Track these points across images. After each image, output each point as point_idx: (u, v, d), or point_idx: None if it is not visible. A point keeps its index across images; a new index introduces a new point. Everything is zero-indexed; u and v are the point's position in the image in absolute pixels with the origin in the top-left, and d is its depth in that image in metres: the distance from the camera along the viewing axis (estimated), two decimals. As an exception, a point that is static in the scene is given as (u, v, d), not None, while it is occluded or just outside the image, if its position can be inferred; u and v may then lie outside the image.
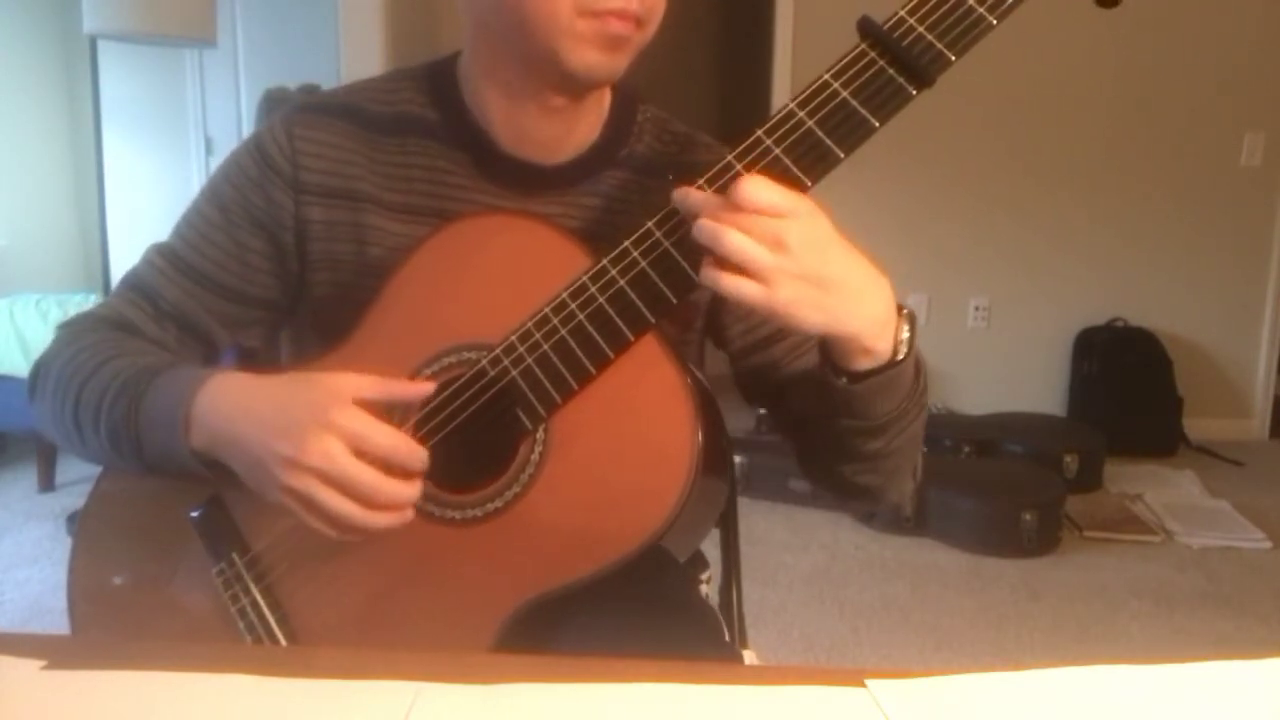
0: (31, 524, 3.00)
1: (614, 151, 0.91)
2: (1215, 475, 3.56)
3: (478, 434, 0.79)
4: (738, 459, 3.07)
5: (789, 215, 0.70)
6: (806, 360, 0.91)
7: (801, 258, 0.69)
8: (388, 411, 0.78)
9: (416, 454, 0.75)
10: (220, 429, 0.77)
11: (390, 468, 0.74)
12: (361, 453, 0.73)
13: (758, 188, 0.69)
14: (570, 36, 0.79)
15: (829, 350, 0.77)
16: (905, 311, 0.77)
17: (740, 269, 0.69)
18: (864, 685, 0.61)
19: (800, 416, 0.89)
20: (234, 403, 0.78)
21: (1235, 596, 2.63)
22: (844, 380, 0.77)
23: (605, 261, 0.77)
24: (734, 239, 0.69)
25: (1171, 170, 3.90)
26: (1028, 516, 2.83)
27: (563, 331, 0.77)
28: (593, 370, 0.76)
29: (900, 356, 0.77)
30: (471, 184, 0.89)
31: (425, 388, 0.79)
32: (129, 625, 0.89)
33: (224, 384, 0.79)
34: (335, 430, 0.73)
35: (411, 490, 0.75)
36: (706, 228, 0.70)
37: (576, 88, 0.84)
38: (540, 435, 0.78)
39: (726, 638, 0.99)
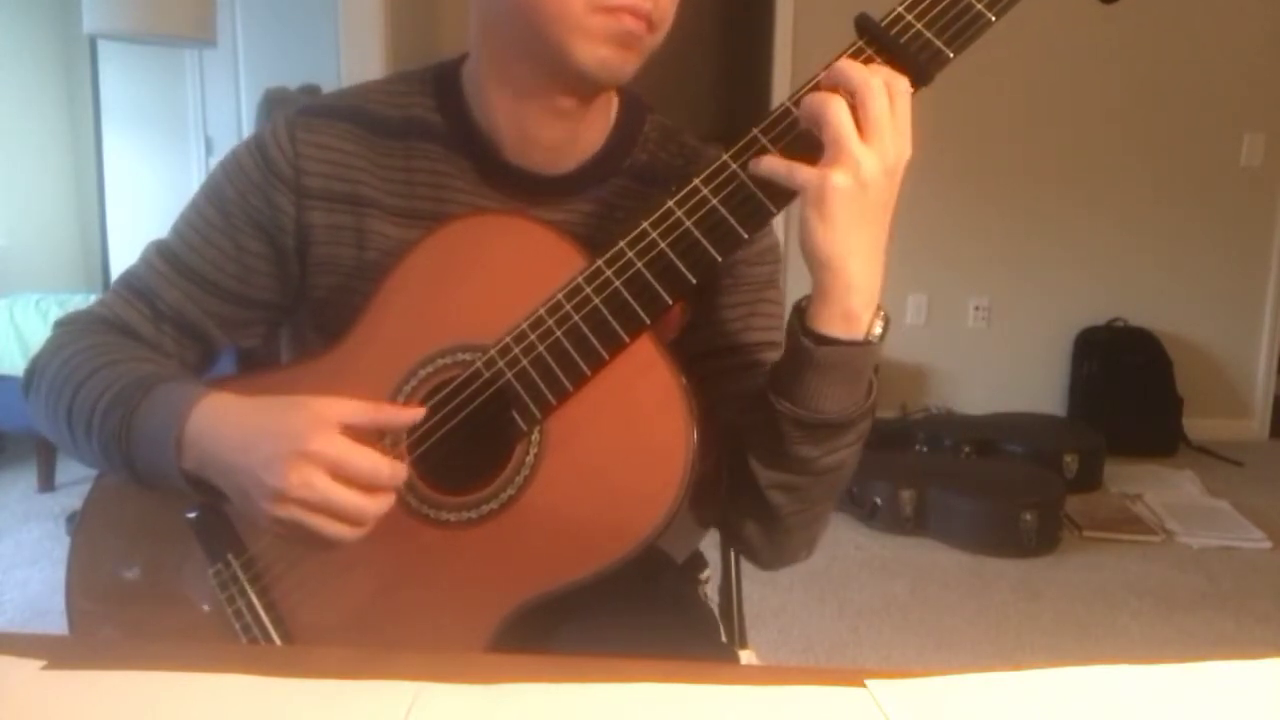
0: (31, 524, 2.99)
1: (618, 161, 0.91)
2: (1215, 475, 3.56)
3: (473, 435, 0.79)
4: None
5: (897, 110, 0.71)
6: (755, 379, 0.86)
7: (884, 156, 0.71)
8: (376, 432, 0.78)
9: (398, 473, 0.76)
10: (210, 455, 0.77)
11: (372, 488, 0.75)
12: (342, 477, 0.73)
13: (867, 74, 0.71)
14: (582, 33, 0.78)
15: (812, 304, 0.75)
16: (884, 313, 0.76)
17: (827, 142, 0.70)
18: (864, 685, 0.61)
19: (727, 431, 0.85)
20: (221, 430, 0.77)
21: (1235, 596, 2.63)
22: (810, 341, 0.75)
23: (600, 262, 0.77)
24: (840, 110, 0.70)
25: (1171, 170, 3.90)
26: (1028, 516, 2.83)
27: (558, 333, 0.77)
28: (587, 371, 0.76)
29: (871, 340, 0.75)
30: (474, 191, 0.88)
31: (414, 412, 0.78)
32: (127, 625, 0.89)
33: (213, 407, 0.79)
34: (314, 458, 0.73)
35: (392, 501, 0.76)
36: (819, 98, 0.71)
37: (586, 88, 0.83)
38: (535, 437, 0.78)
39: (723, 637, 0.98)
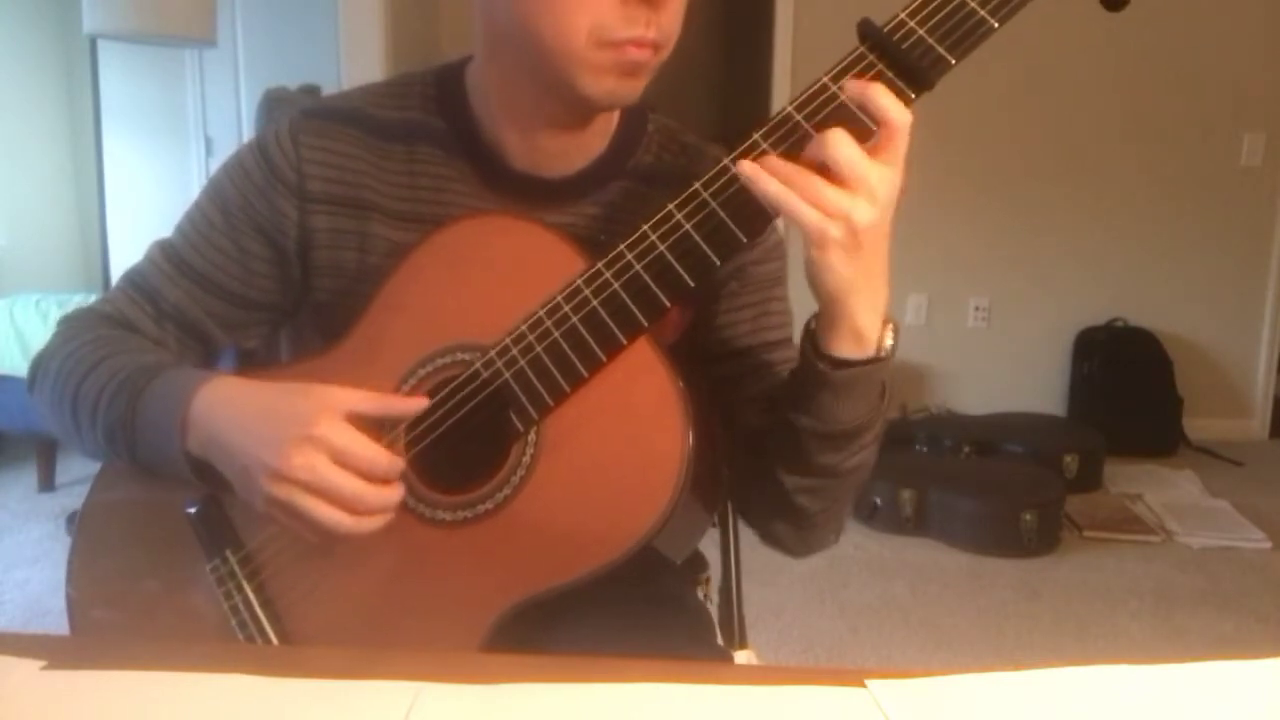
0: (31, 524, 2.99)
1: (622, 162, 0.90)
2: (1215, 475, 3.56)
3: (470, 435, 0.79)
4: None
5: (878, 171, 0.71)
6: (772, 379, 0.90)
7: (872, 198, 0.70)
8: (379, 422, 0.78)
9: (395, 465, 0.77)
10: (213, 436, 0.78)
11: (371, 477, 0.75)
12: (343, 465, 0.74)
13: (845, 144, 0.70)
14: (587, 66, 0.77)
15: (822, 327, 0.77)
16: (892, 322, 0.78)
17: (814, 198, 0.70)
18: (864, 685, 0.61)
19: (750, 433, 0.88)
20: (227, 411, 0.78)
21: (1235, 596, 2.63)
22: (825, 365, 0.77)
23: (600, 265, 0.77)
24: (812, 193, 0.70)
25: (1171, 170, 3.90)
26: (1028, 516, 2.83)
27: (556, 334, 0.77)
28: (585, 373, 0.76)
29: (882, 354, 0.77)
30: (476, 195, 0.88)
31: (418, 402, 0.79)
32: (127, 624, 0.89)
33: (220, 389, 0.80)
34: (317, 443, 0.74)
35: (393, 495, 0.77)
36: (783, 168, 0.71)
37: (593, 111, 0.84)
38: (532, 437, 0.78)
39: (718, 638, 0.98)
